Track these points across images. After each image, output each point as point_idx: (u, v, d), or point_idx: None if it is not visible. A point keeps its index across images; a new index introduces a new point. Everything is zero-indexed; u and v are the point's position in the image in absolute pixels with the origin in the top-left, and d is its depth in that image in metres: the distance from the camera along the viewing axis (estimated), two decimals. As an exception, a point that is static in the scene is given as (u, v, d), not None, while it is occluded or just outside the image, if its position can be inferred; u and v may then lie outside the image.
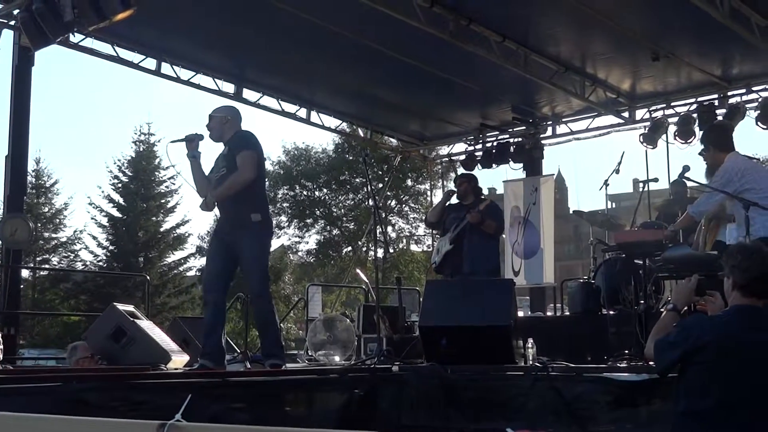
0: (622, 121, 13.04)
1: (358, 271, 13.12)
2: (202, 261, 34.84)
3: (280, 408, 5.60)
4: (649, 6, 9.57)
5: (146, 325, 6.73)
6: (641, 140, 12.66)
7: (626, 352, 6.49)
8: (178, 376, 5.73)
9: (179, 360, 6.54)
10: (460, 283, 7.85)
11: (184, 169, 6.41)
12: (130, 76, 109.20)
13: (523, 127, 13.80)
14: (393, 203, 34.80)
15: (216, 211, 6.54)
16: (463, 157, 14.96)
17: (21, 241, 10.02)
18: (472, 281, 7.79)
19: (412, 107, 13.68)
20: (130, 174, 32.69)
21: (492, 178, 76.34)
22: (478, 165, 14.40)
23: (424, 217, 32.69)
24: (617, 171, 8.60)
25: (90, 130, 78.09)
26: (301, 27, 10.01)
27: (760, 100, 11.65)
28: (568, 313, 9.56)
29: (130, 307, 7.00)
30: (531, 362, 6.51)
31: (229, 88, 12.25)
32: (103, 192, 32.42)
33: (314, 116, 13.74)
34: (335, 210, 36.37)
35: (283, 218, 35.29)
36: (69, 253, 33.40)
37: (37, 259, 32.28)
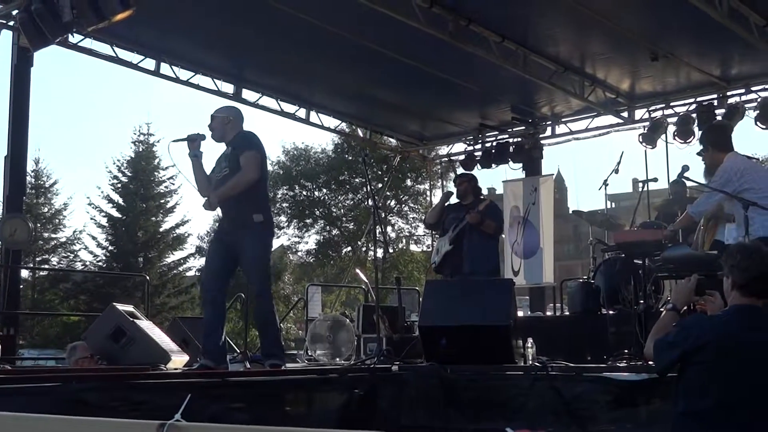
0: (621, 121, 13.04)
1: (357, 271, 13.13)
2: (201, 261, 34.85)
3: (279, 408, 5.61)
4: (647, 6, 9.57)
5: (146, 325, 6.72)
6: (640, 140, 12.67)
7: (626, 351, 6.50)
8: (177, 376, 5.73)
9: (179, 360, 6.53)
10: (459, 283, 7.85)
11: (186, 169, 6.42)
12: (130, 77, 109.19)
13: (523, 127, 13.81)
14: (392, 203, 34.80)
15: (217, 211, 6.55)
16: (462, 157, 14.96)
17: (20, 242, 10.02)
18: (471, 281, 7.80)
19: (411, 107, 13.68)
20: (129, 174, 32.71)
21: (491, 178, 76.44)
22: (478, 165, 14.40)
23: (423, 218, 32.80)
24: (617, 171, 8.63)
25: (89, 131, 78.12)
26: (300, 27, 10.01)
27: (759, 100, 11.65)
28: (567, 313, 9.58)
29: (130, 307, 6.99)
30: (531, 362, 6.51)
31: (228, 88, 12.25)
32: (102, 192, 32.51)
33: (313, 116, 13.74)
34: (335, 210, 36.38)
35: (283, 218, 35.28)
36: (68, 254, 33.48)
37: (37, 259, 32.29)
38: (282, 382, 5.83)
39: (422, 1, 9.31)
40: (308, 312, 11.18)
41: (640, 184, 9.42)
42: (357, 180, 34.75)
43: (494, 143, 14.50)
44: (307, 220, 36.19)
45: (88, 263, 32.52)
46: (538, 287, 13.76)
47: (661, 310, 6.62)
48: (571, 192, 49.35)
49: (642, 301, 6.87)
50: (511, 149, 14.14)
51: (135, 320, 6.62)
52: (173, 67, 11.52)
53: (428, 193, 25.88)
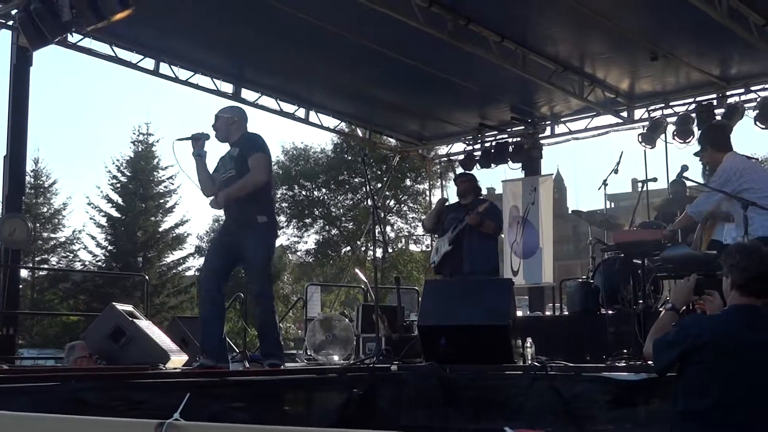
0: (620, 120, 13.04)
1: (356, 270, 13.12)
2: (201, 261, 34.80)
3: (278, 407, 5.61)
4: (647, 6, 9.57)
5: (145, 324, 6.73)
6: (640, 140, 12.67)
7: (625, 351, 6.50)
8: (176, 375, 5.73)
9: (178, 360, 6.54)
10: (458, 283, 7.85)
11: (189, 168, 6.43)
12: (129, 76, 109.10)
13: (522, 127, 13.80)
14: (392, 203, 34.81)
15: (216, 211, 6.56)
16: (461, 156, 14.96)
17: (20, 241, 10.02)
18: (470, 281, 7.79)
19: (410, 107, 13.68)
20: (128, 174, 32.72)
21: (491, 178, 76.27)
22: (477, 165, 14.39)
23: (422, 218, 32.79)
24: (616, 171, 8.63)
25: (88, 130, 78.06)
26: (299, 27, 10.01)
27: (758, 99, 11.65)
28: (566, 313, 9.58)
29: (129, 307, 6.99)
30: (530, 362, 6.51)
31: (227, 87, 12.25)
32: (101, 192, 32.54)
33: (313, 116, 13.73)
34: (334, 210, 36.40)
35: (282, 218, 35.28)
36: (68, 253, 33.52)
37: (36, 259, 32.32)
38: (281, 382, 5.84)
39: (421, 1, 9.31)
40: (307, 312, 11.17)
41: (640, 184, 9.43)
42: (356, 180, 34.77)
43: (493, 143, 14.49)
44: (307, 220, 36.22)
45: (87, 263, 32.56)
46: (538, 287, 13.76)
47: (661, 309, 6.62)
48: (570, 192, 49.35)
49: (641, 301, 6.87)
50: (510, 149, 14.14)
51: (134, 320, 6.62)
52: (172, 66, 11.51)
53: (427, 192, 25.93)
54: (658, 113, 12.71)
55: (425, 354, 6.71)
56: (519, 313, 8.67)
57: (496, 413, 5.82)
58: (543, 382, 5.74)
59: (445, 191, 18.54)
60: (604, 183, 8.69)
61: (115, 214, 32.50)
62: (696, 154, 6.69)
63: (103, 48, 10.78)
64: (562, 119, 13.79)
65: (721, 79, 11.72)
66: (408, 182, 34.09)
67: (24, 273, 29.12)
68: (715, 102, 11.98)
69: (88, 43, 10.54)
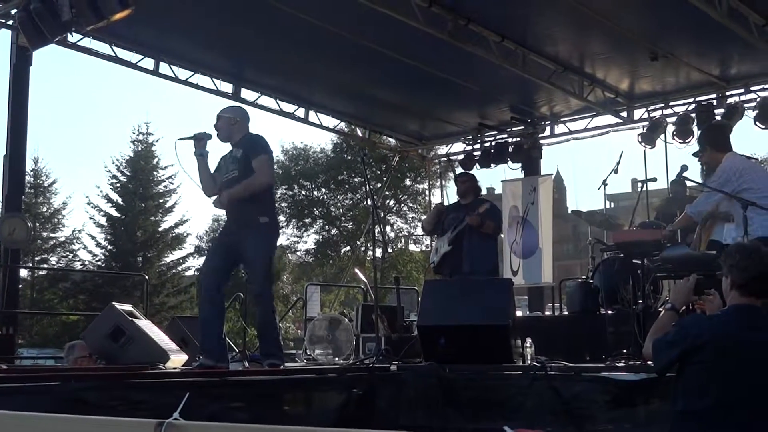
0: (620, 120, 13.03)
1: (356, 270, 13.12)
2: (200, 261, 34.84)
3: (278, 407, 5.61)
4: (647, 6, 9.57)
5: (145, 324, 6.73)
6: (639, 140, 12.67)
7: (624, 351, 6.50)
8: (176, 375, 5.73)
9: (177, 359, 6.54)
10: (458, 283, 7.85)
11: (190, 167, 6.43)
12: (129, 76, 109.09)
13: (522, 127, 13.80)
14: (391, 203, 34.82)
15: (216, 211, 6.58)
16: (461, 156, 14.96)
17: (19, 241, 10.02)
18: (470, 281, 7.79)
19: (410, 107, 13.67)
20: (128, 174, 32.72)
21: (490, 178, 76.27)
22: (477, 165, 14.39)
23: (422, 217, 32.79)
24: (616, 171, 8.63)
25: (88, 130, 78.06)
26: (299, 27, 10.01)
27: (758, 99, 11.64)
28: (566, 313, 9.58)
29: (129, 307, 7.00)
30: (529, 362, 6.51)
31: (227, 87, 12.25)
32: (101, 192, 32.50)
33: (312, 116, 13.72)
34: (334, 210, 36.40)
35: (282, 218, 35.27)
36: (67, 253, 33.49)
37: (36, 258, 32.30)
38: (281, 382, 5.84)
39: (421, 1, 9.30)
40: (307, 311, 11.17)
41: (639, 184, 9.43)
42: (356, 179, 34.78)
43: (493, 143, 14.48)
44: (306, 220, 36.23)
45: (87, 263, 32.54)
46: (537, 287, 13.76)
47: (660, 309, 6.61)
48: (570, 192, 49.40)
49: (641, 301, 6.87)
50: (510, 149, 14.13)
51: (134, 319, 6.63)
52: (172, 66, 11.51)
53: (427, 192, 25.92)
54: (657, 113, 12.70)
55: (425, 354, 6.71)
56: (518, 313, 8.67)
57: (496, 413, 5.81)
58: (542, 382, 5.73)
59: (445, 191, 18.54)
60: (604, 183, 8.69)
61: (114, 213, 32.49)
62: (695, 155, 6.69)
63: (103, 48, 10.78)
64: (561, 119, 13.79)
65: (721, 79, 11.71)
66: (408, 182, 34.09)
67: (24, 272, 29.14)
68: (714, 102, 11.98)
69: (87, 42, 10.54)
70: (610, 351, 6.69)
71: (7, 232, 9.60)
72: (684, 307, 4.26)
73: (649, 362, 4.06)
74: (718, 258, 4.76)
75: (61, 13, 8.25)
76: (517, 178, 14.27)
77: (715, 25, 9.15)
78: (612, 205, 26.87)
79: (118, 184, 32.59)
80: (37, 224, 31.08)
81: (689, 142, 11.96)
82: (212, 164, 6.50)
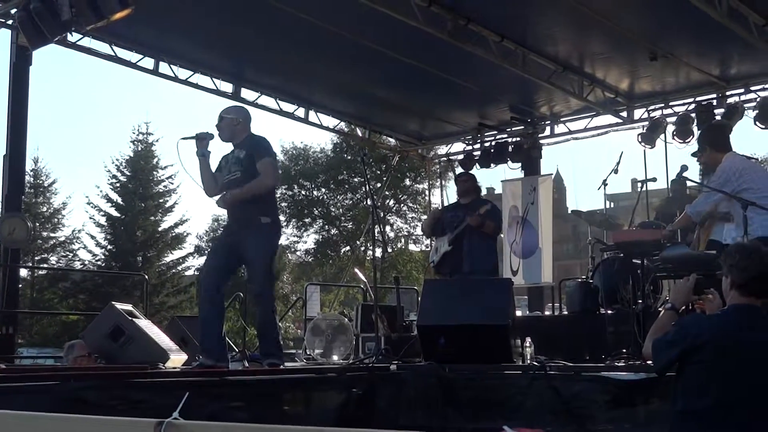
0: (620, 120, 13.02)
1: (356, 270, 13.12)
2: (200, 260, 34.87)
3: (278, 407, 5.61)
4: (647, 6, 9.57)
5: (144, 324, 6.73)
6: (639, 140, 12.67)
7: (624, 351, 6.50)
8: (176, 374, 5.73)
9: (177, 359, 6.53)
10: (458, 283, 7.85)
11: (191, 167, 6.43)
12: (128, 76, 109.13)
13: (522, 127, 13.80)
14: (391, 203, 34.81)
15: (216, 211, 6.58)
16: (461, 156, 14.96)
17: (19, 241, 10.02)
18: (470, 280, 7.80)
19: (410, 107, 13.67)
20: (128, 173, 32.71)
21: (490, 178, 76.35)
22: (477, 164, 14.39)
23: (421, 217, 32.81)
24: (616, 171, 8.64)
25: (88, 130, 78.08)
26: (299, 27, 10.01)
27: (758, 99, 11.64)
28: (566, 313, 9.58)
29: (129, 306, 6.99)
30: (529, 361, 6.51)
31: (227, 87, 12.24)
32: (101, 191, 32.50)
33: (312, 116, 13.71)
34: (333, 209, 36.39)
35: (282, 218, 35.00)
36: (67, 253, 33.50)
37: (36, 258, 32.30)
38: (280, 381, 5.84)
39: (421, 1, 9.30)
40: (307, 311, 11.17)
41: (639, 184, 9.43)
42: (356, 179, 34.77)
43: (493, 143, 14.48)
44: (306, 220, 36.22)
45: (86, 262, 32.54)
46: (537, 287, 13.76)
47: (660, 309, 6.62)
48: (570, 192, 49.40)
49: (640, 301, 6.87)
50: (509, 149, 14.13)
51: (134, 319, 6.62)
52: (172, 66, 11.50)
53: (427, 192, 25.93)
54: (657, 113, 12.70)
55: (424, 353, 6.71)
56: (518, 313, 8.68)
57: (495, 413, 5.82)
58: (542, 381, 5.74)
59: (445, 191, 18.54)
60: (604, 183, 8.70)
61: (114, 213, 32.49)
62: (693, 155, 6.69)
63: (103, 47, 10.77)
64: (561, 119, 13.78)
65: (721, 79, 11.71)
66: (407, 182, 34.09)
67: (23, 272, 29.12)
68: (714, 102, 11.97)
69: (87, 42, 10.53)
70: (610, 351, 6.69)
71: (6, 232, 9.60)
72: (684, 307, 4.26)
73: (648, 362, 4.06)
74: (718, 258, 4.76)
75: (61, 12, 8.25)
76: (516, 178, 14.27)
77: (715, 25, 9.14)
78: (612, 205, 26.86)
79: (118, 184, 32.59)
80: (37, 224, 31.08)
81: (689, 142, 11.96)
82: (213, 164, 6.50)
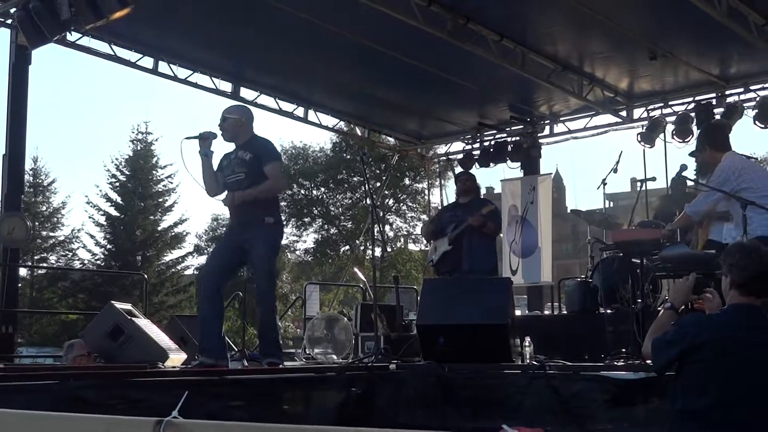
0: (619, 120, 13.02)
1: (355, 269, 13.12)
2: (199, 260, 34.90)
3: (277, 406, 5.61)
4: (646, 5, 9.57)
5: (144, 323, 6.73)
6: (639, 139, 12.66)
7: (623, 350, 6.50)
8: (175, 374, 5.74)
9: (177, 358, 6.54)
10: (457, 282, 7.85)
11: (192, 167, 6.43)
12: (128, 75, 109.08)
13: (521, 126, 13.80)
14: (391, 202, 34.79)
15: (215, 210, 6.59)
16: (460, 156, 14.97)
17: (19, 240, 10.02)
18: (469, 280, 7.80)
19: (409, 106, 13.67)
20: (127, 173, 32.71)
21: (489, 177, 76.40)
22: (476, 164, 14.39)
23: (421, 217, 32.83)
24: (615, 170, 8.65)
25: (88, 129, 78.03)
26: (299, 27, 10.01)
27: (757, 99, 11.64)
28: (565, 312, 9.58)
29: (128, 306, 7.00)
30: (528, 361, 6.51)
31: (226, 86, 12.25)
32: (100, 191, 32.50)
33: (312, 115, 13.72)
34: (333, 209, 36.37)
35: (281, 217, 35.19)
36: (67, 252, 33.52)
37: (35, 257, 32.30)
38: (280, 381, 5.84)
39: (420, 0, 9.31)
40: (306, 310, 11.18)
41: (639, 184, 9.43)
42: (355, 179, 34.74)
43: (492, 142, 14.47)
44: (305, 219, 36.20)
45: (86, 262, 32.55)
46: (536, 286, 13.76)
47: (659, 309, 6.61)
48: (569, 191, 49.35)
49: (640, 300, 6.86)
50: (509, 148, 14.13)
51: (133, 318, 6.63)
52: (171, 65, 11.51)
53: (426, 192, 25.92)
54: (657, 112, 12.70)
55: (424, 353, 6.71)
56: (518, 312, 8.67)
57: (495, 412, 5.82)
58: (541, 381, 5.74)
59: (444, 190, 18.53)
60: (603, 182, 8.70)
61: (114, 212, 32.48)
62: (691, 154, 6.69)
63: (102, 46, 10.78)
64: (561, 118, 13.78)
65: (721, 78, 11.71)
66: (407, 181, 34.05)
67: (23, 271, 29.12)
68: (714, 101, 11.96)
69: (87, 41, 10.54)
70: (609, 350, 6.69)
71: (6, 232, 9.60)
72: (683, 307, 4.26)
73: (648, 361, 4.06)
74: (718, 257, 4.76)
75: (61, 11, 8.25)
76: (516, 178, 14.28)
77: (715, 25, 9.15)
78: (611, 205, 26.84)
79: (118, 183, 32.58)
80: (37, 223, 31.10)
81: (688, 141, 11.96)
82: (213, 163, 6.50)
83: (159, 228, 33.25)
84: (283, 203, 34.46)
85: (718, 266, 3.79)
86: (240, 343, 8.16)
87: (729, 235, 6.26)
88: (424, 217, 10.17)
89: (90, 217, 32.46)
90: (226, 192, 6.41)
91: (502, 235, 12.32)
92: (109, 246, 32.38)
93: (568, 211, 26.49)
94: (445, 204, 14.68)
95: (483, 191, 10.03)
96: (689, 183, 8.39)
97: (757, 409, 3.33)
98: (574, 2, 9.28)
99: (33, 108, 10.81)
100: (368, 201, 10.08)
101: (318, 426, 2.25)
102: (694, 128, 11.94)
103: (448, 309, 6.80)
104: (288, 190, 35.31)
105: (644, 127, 12.70)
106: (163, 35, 10.99)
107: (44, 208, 33.26)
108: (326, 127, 14.59)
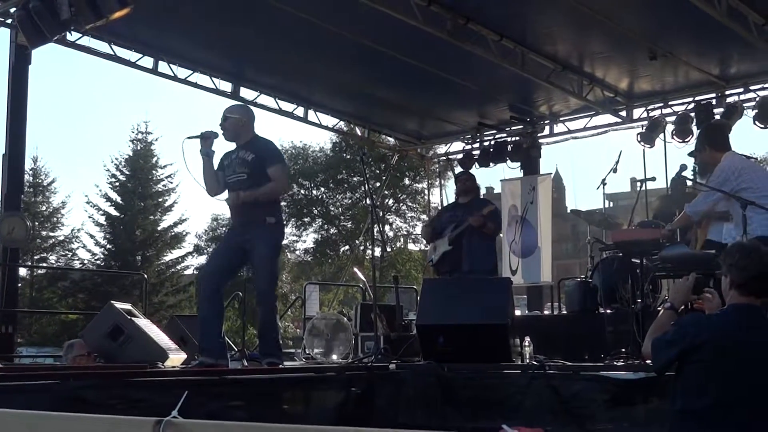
0: (619, 120, 13.02)
1: (355, 269, 13.12)
2: (199, 260, 34.90)
3: (277, 406, 5.61)
4: (646, 5, 9.57)
5: (143, 323, 6.74)
6: (639, 139, 12.66)
7: (623, 350, 6.50)
8: (175, 373, 5.74)
9: (176, 358, 6.54)
10: (457, 282, 7.85)
11: (193, 166, 6.43)
12: (128, 75, 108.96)
13: (521, 126, 13.80)
14: (390, 202, 34.79)
15: (215, 210, 6.59)
16: (460, 156, 14.97)
17: (18, 240, 10.02)
18: (469, 280, 7.80)
19: (409, 106, 13.67)
20: (127, 173, 32.69)
21: (489, 177, 76.46)
22: (476, 164, 14.39)
23: (421, 217, 32.83)
24: (615, 170, 8.65)
25: (87, 129, 78.04)
26: (299, 26, 10.01)
27: (757, 99, 11.64)
28: (565, 312, 9.58)
29: (128, 306, 7.00)
30: (528, 361, 6.51)
31: (226, 86, 12.25)
32: (100, 191, 32.48)
33: (312, 115, 13.72)
34: (333, 209, 36.37)
35: (281, 217, 35.17)
36: (67, 252, 33.49)
37: (35, 257, 32.28)
38: (280, 380, 5.84)
39: (420, 0, 9.31)
40: (306, 310, 11.18)
41: (639, 184, 9.43)
42: (355, 179, 34.74)
43: (492, 142, 14.47)
44: (305, 219, 36.20)
45: (86, 261, 32.53)
46: (536, 286, 13.76)
47: (659, 309, 6.61)
48: (569, 191, 49.34)
49: (639, 300, 6.86)
50: (509, 148, 14.12)
51: (133, 318, 6.63)
52: (171, 65, 11.51)
53: (426, 192, 25.93)
54: (657, 112, 12.70)
55: (423, 353, 6.71)
56: (517, 312, 8.67)
57: (495, 412, 5.82)
58: (541, 381, 5.74)
59: (444, 190, 18.53)
60: (603, 182, 8.70)
61: (113, 212, 32.46)
62: (691, 154, 6.68)
63: (102, 46, 10.78)
64: (560, 118, 13.78)
65: (721, 78, 11.71)
66: (407, 181, 34.04)
67: (23, 271, 29.11)
68: (714, 101, 11.96)
69: (86, 41, 10.53)
70: (609, 350, 6.69)
71: (6, 231, 9.60)
72: (683, 307, 4.26)
73: (647, 361, 4.06)
74: (717, 257, 4.76)
75: (60, 11, 8.25)
76: (516, 178, 14.28)
77: (715, 25, 9.15)
78: (611, 205, 26.85)
79: (117, 183, 32.57)
80: (36, 223, 31.07)
81: (688, 141, 11.96)
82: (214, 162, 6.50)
83: (159, 228, 33.24)
84: (283, 203, 34.35)
85: (718, 266, 3.79)
86: (240, 343, 8.16)
87: (729, 235, 6.26)
88: (424, 217, 10.15)
89: (90, 217, 32.50)
90: (227, 192, 6.41)
91: (501, 235, 12.33)
92: (108, 246, 32.37)
93: (568, 211, 26.51)
94: (445, 204, 14.69)
95: (483, 191, 10.03)
96: (689, 183, 8.39)
97: (757, 409, 3.33)
98: (574, 2, 9.28)
99: (33, 108, 10.83)
100: (368, 201, 10.10)
101: (318, 426, 2.25)
102: (694, 128, 11.94)
103: (448, 309, 6.80)
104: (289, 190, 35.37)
105: (644, 127, 12.70)
106: (163, 35, 10.99)
107: (44, 208, 33.25)
108: (326, 127, 14.60)
